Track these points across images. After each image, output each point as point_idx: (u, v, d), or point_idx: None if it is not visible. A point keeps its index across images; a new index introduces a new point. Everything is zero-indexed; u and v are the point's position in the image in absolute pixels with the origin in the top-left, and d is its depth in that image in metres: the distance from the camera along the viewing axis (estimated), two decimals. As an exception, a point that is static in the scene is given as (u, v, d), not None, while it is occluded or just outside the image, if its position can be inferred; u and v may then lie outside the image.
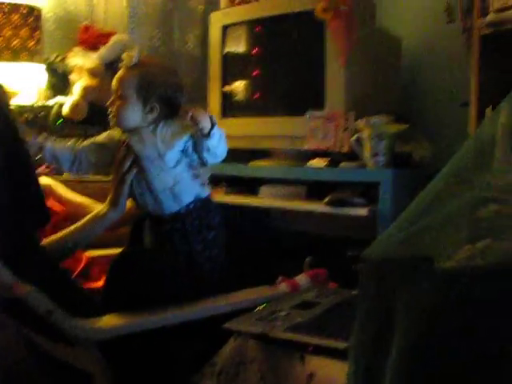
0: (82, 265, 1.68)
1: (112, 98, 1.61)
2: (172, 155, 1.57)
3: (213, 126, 1.53)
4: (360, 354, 0.68)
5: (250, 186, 2.20)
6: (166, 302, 1.39)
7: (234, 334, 1.29)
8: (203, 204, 1.63)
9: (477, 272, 0.64)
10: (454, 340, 0.56)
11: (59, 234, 1.56)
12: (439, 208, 0.76)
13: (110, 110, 1.61)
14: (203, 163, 1.64)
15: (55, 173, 2.12)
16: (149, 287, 1.39)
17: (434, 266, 0.64)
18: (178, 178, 1.58)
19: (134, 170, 1.57)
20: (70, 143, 1.65)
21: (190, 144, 1.59)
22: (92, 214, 1.60)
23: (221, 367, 1.29)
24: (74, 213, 1.77)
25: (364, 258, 0.68)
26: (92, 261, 1.72)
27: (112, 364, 1.29)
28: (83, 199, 1.85)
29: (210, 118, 1.53)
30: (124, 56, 1.61)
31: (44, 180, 1.86)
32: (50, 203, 1.76)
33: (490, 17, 1.68)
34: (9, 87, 2.29)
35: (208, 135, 1.53)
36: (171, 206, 1.59)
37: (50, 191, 1.83)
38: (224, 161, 2.33)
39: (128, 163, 1.57)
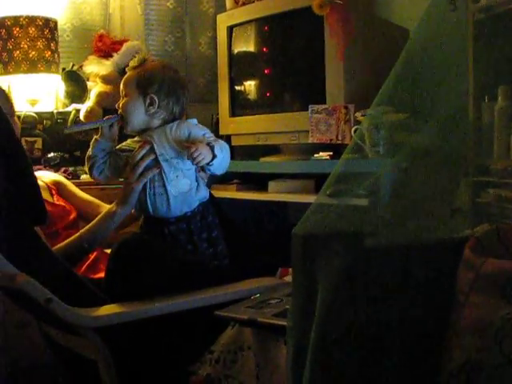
0: (90, 259, 1.75)
1: (120, 101, 1.68)
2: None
3: (213, 157, 1.56)
4: (292, 326, 0.72)
5: (261, 181, 2.25)
6: (169, 290, 1.44)
7: (231, 322, 1.33)
8: (206, 205, 1.69)
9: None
10: (359, 303, 0.59)
11: (75, 236, 1.62)
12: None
13: (119, 111, 1.67)
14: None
15: (71, 178, 2.21)
16: (150, 275, 1.44)
17: (365, 242, 0.67)
18: (193, 184, 1.63)
19: (155, 171, 1.59)
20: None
21: None
22: (103, 212, 1.65)
23: (218, 355, 1.34)
24: (84, 211, 1.84)
25: (293, 234, 0.71)
26: (100, 255, 1.78)
27: (115, 352, 1.35)
28: (93, 198, 1.91)
29: (212, 148, 1.56)
30: (132, 60, 1.69)
31: (54, 176, 1.93)
32: (62, 201, 1.81)
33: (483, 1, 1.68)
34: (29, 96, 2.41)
35: (208, 164, 1.57)
36: (180, 210, 1.64)
37: (60, 186, 1.88)
38: (235, 158, 2.39)
39: (147, 162, 1.59)
